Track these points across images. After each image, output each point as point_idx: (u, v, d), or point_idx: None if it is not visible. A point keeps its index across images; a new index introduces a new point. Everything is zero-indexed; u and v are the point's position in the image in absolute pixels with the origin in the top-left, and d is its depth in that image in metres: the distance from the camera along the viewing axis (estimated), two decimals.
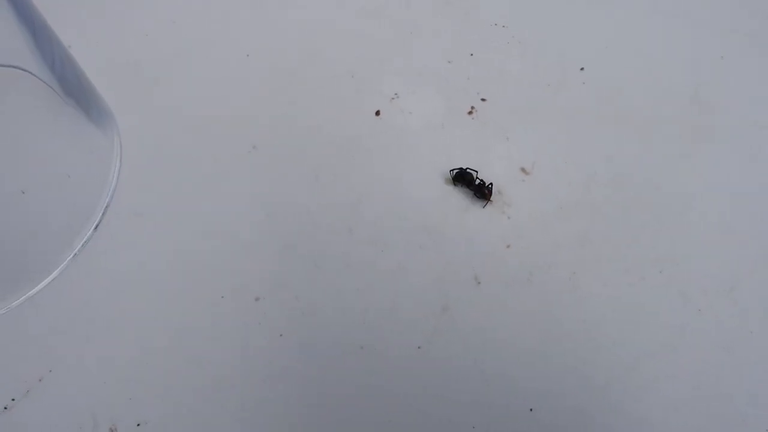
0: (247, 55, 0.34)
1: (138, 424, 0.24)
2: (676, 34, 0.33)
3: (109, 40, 0.34)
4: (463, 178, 0.29)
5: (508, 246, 0.28)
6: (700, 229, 0.28)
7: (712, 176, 0.29)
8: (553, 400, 0.24)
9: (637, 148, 0.30)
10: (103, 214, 0.29)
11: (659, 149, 0.30)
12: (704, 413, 0.24)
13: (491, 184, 0.29)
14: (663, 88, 0.32)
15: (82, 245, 0.28)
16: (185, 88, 0.33)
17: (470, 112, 0.31)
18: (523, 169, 0.30)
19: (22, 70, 0.27)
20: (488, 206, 0.28)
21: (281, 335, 0.26)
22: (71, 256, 0.28)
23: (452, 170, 0.29)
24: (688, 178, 0.29)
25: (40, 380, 0.25)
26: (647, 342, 0.26)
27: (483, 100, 0.32)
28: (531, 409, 0.24)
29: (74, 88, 0.29)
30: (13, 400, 0.25)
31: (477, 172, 0.29)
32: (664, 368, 0.25)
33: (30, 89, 0.27)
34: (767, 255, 0.27)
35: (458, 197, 0.29)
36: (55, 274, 0.27)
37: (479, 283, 0.27)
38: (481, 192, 0.28)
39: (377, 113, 0.32)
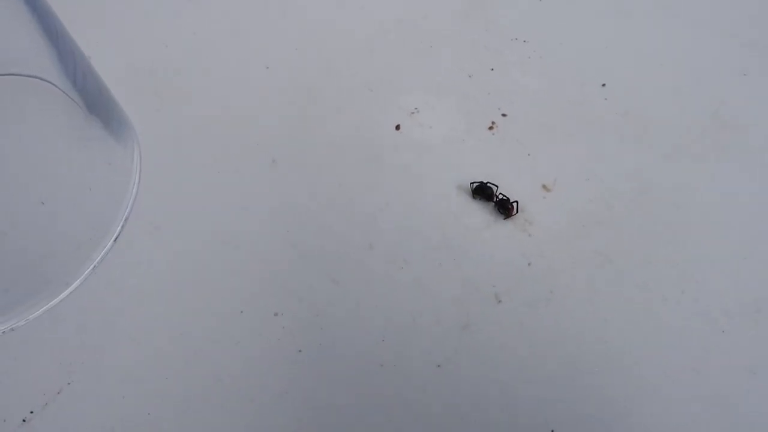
0: (267, 68, 0.34)
1: None
2: (698, 50, 0.33)
3: (129, 51, 0.34)
4: (483, 192, 0.29)
5: (529, 264, 0.27)
6: (722, 248, 0.28)
7: (735, 195, 0.29)
8: (574, 422, 0.24)
9: (659, 166, 0.30)
10: (123, 226, 0.29)
11: (681, 167, 0.30)
12: None
13: (516, 202, 0.28)
14: (684, 104, 0.32)
15: (102, 257, 0.28)
16: (205, 101, 0.33)
17: (491, 128, 0.31)
18: (544, 186, 0.29)
19: (45, 81, 0.27)
20: (509, 223, 0.28)
21: (300, 351, 0.25)
22: (91, 268, 0.28)
23: (473, 183, 0.29)
24: (710, 197, 0.29)
25: (59, 393, 0.25)
26: (670, 364, 0.25)
27: (504, 115, 0.32)
28: (552, 430, 0.24)
29: (95, 100, 0.29)
30: (31, 412, 0.24)
31: (497, 187, 0.29)
32: (687, 390, 0.25)
33: (52, 100, 0.27)
34: None
35: (478, 213, 0.29)
36: (74, 285, 0.27)
37: (500, 301, 0.26)
38: (504, 207, 0.28)
39: (397, 127, 0.31)
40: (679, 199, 0.29)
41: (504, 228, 0.28)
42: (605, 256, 0.28)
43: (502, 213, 0.29)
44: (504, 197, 0.29)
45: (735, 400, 0.25)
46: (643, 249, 0.28)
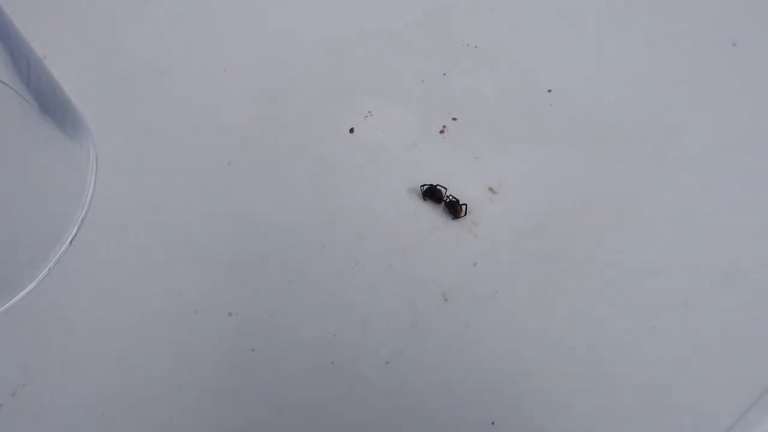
0: (224, 69, 0.35)
1: None
2: (639, 59, 0.35)
3: (86, 51, 0.34)
4: (432, 194, 0.30)
5: (475, 264, 0.29)
6: (656, 249, 0.29)
7: (670, 199, 0.31)
8: (514, 415, 0.26)
9: (602, 170, 0.31)
10: (79, 227, 0.29)
11: (623, 171, 0.31)
12: (657, 427, 0.26)
13: (465, 205, 0.30)
14: (626, 111, 0.33)
15: (58, 258, 0.29)
16: (162, 102, 0.33)
17: (442, 131, 0.32)
18: (491, 189, 0.31)
19: None
20: (456, 225, 0.30)
21: (253, 350, 0.26)
22: (46, 269, 0.28)
23: (423, 186, 0.30)
24: (648, 201, 0.31)
25: (13, 395, 0.25)
26: (606, 358, 0.27)
27: (454, 119, 0.33)
28: (493, 423, 0.25)
29: (50, 100, 0.29)
30: None
31: (446, 189, 0.30)
32: (621, 381, 0.27)
33: (4, 101, 0.27)
34: (717, 274, 0.29)
35: (428, 216, 0.30)
36: (30, 287, 0.28)
37: (446, 300, 0.28)
38: (453, 208, 0.30)
39: (351, 131, 0.32)
40: (619, 202, 0.31)
41: (452, 229, 0.29)
42: (548, 256, 0.29)
43: (451, 214, 0.30)
44: (453, 199, 0.30)
45: (665, 390, 0.26)
46: (584, 250, 0.29)
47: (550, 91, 0.34)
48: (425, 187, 0.30)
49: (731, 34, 0.35)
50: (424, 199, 0.30)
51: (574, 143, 0.32)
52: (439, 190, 0.30)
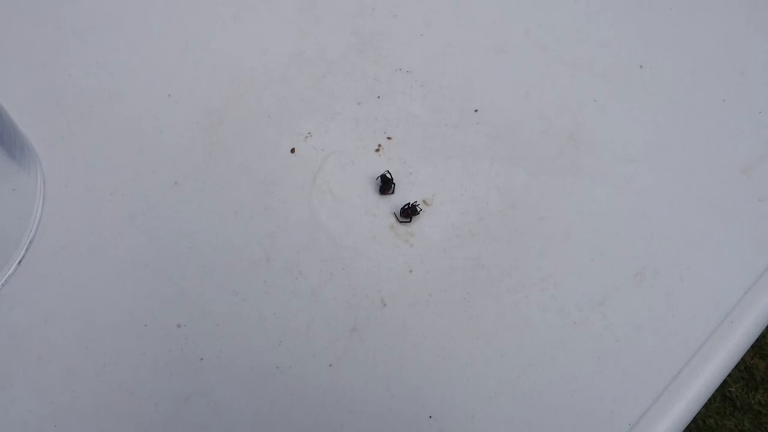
0: (169, 95, 0.36)
1: None
2: (556, 80, 0.38)
3: (32, 79, 0.35)
4: (387, 183, 0.33)
5: (411, 271, 0.31)
6: (575, 253, 0.32)
7: (587, 207, 0.34)
8: (449, 408, 0.28)
9: (525, 182, 0.34)
10: (27, 249, 0.30)
11: (543, 183, 0.34)
12: (578, 414, 0.28)
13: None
14: (545, 128, 0.36)
15: (6, 279, 0.29)
16: (109, 127, 0.34)
17: (377, 150, 0.35)
18: (424, 201, 0.33)
19: None
20: (393, 234, 0.32)
21: (202, 359, 0.28)
22: None
23: (378, 177, 0.33)
24: (567, 209, 0.34)
25: None
26: (531, 353, 0.29)
27: (389, 138, 0.35)
28: (430, 416, 0.27)
29: None
30: None
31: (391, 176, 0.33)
32: (545, 375, 0.29)
33: None
34: (630, 275, 0.31)
35: (367, 227, 0.32)
36: None
37: (385, 305, 0.30)
38: (406, 215, 0.32)
39: (292, 151, 0.34)
40: (541, 211, 0.33)
41: (389, 239, 0.32)
42: (477, 262, 0.31)
43: (403, 219, 0.32)
44: (410, 206, 0.32)
45: (583, 383, 0.29)
46: (511, 255, 0.32)
47: (476, 110, 0.36)
48: (379, 177, 0.33)
49: (638, 58, 0.39)
50: (382, 193, 0.33)
51: (500, 158, 0.35)
52: (388, 177, 0.33)
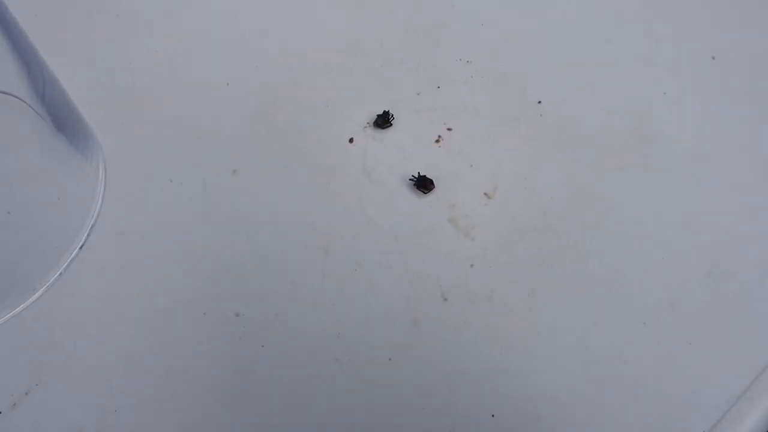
0: (227, 84, 0.36)
1: None
2: (625, 72, 0.37)
3: (94, 68, 0.36)
4: (422, 183, 0.32)
5: (472, 265, 0.30)
6: (644, 250, 0.31)
7: (656, 203, 0.32)
8: (512, 407, 0.27)
9: (590, 176, 0.33)
10: (88, 234, 0.30)
11: (609, 177, 0.33)
12: (646, 418, 0.27)
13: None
14: (611, 121, 0.35)
15: (68, 264, 0.30)
16: (168, 115, 0.34)
17: (437, 141, 0.34)
18: (486, 194, 0.32)
19: (13, 96, 0.28)
20: (453, 228, 0.31)
21: (263, 346, 0.27)
22: (57, 274, 0.29)
23: (411, 178, 0.32)
24: (635, 205, 0.32)
25: (26, 393, 0.26)
26: (598, 353, 0.28)
27: (449, 129, 0.34)
28: (493, 415, 0.26)
29: (63, 115, 0.30)
30: (0, 413, 0.26)
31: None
32: (611, 376, 0.28)
33: (20, 115, 0.28)
34: (702, 275, 0.30)
35: (426, 220, 0.31)
36: (41, 291, 0.29)
37: (446, 299, 0.29)
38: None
39: (351, 140, 0.34)
40: (606, 206, 0.32)
41: (449, 233, 0.31)
42: (540, 257, 0.30)
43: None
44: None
45: (654, 384, 0.28)
46: (574, 251, 0.31)
47: (539, 102, 0.35)
48: (415, 178, 0.32)
49: (710, 49, 0.37)
50: (420, 189, 0.32)
51: (563, 151, 0.34)
52: (427, 177, 0.32)
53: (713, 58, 0.37)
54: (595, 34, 0.38)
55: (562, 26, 0.39)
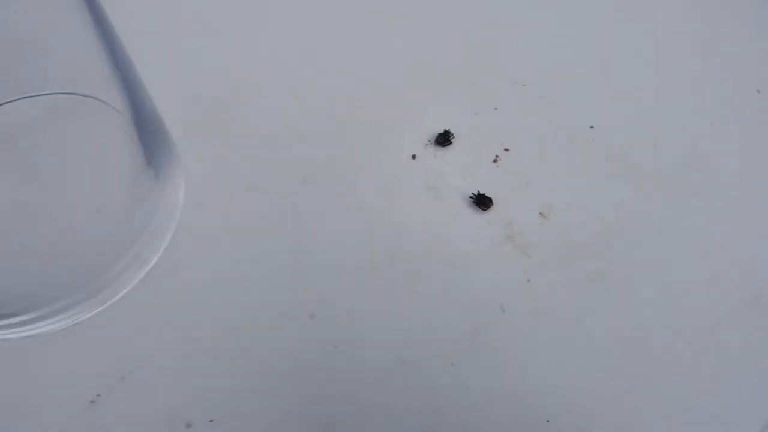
0: (296, 98, 0.38)
1: (210, 420, 0.28)
2: (674, 101, 0.39)
3: (174, 77, 0.38)
4: (481, 201, 0.34)
5: (529, 281, 0.32)
6: (690, 273, 0.33)
7: (704, 227, 0.34)
8: (565, 414, 0.29)
9: (640, 200, 0.35)
10: (173, 236, 0.33)
11: (658, 201, 0.35)
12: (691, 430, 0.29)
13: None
14: (661, 148, 0.37)
15: (155, 263, 0.32)
16: (243, 127, 0.37)
17: (495, 160, 0.36)
18: (541, 214, 0.34)
19: (107, 104, 0.31)
20: (510, 245, 0.33)
21: (336, 346, 0.29)
22: (144, 272, 0.32)
23: (471, 195, 0.34)
24: (681, 228, 0.34)
25: (122, 379, 0.28)
26: (645, 369, 0.30)
27: (506, 150, 0.36)
28: (548, 421, 0.28)
29: (150, 124, 0.32)
30: (98, 395, 0.28)
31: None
32: (658, 391, 0.30)
33: (113, 122, 0.31)
34: (745, 298, 0.32)
35: (485, 236, 0.33)
36: (132, 284, 0.31)
37: (504, 311, 0.31)
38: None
39: (413, 157, 0.36)
40: (656, 229, 0.34)
41: (506, 249, 0.33)
42: (592, 276, 0.32)
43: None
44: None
45: (699, 403, 0.29)
46: (625, 271, 0.33)
47: (592, 127, 0.37)
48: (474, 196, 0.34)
49: (755, 83, 0.39)
50: (479, 207, 0.34)
51: (615, 175, 0.36)
52: (486, 195, 0.34)
53: (758, 91, 0.39)
54: (647, 64, 0.40)
55: (614, 53, 0.41)
